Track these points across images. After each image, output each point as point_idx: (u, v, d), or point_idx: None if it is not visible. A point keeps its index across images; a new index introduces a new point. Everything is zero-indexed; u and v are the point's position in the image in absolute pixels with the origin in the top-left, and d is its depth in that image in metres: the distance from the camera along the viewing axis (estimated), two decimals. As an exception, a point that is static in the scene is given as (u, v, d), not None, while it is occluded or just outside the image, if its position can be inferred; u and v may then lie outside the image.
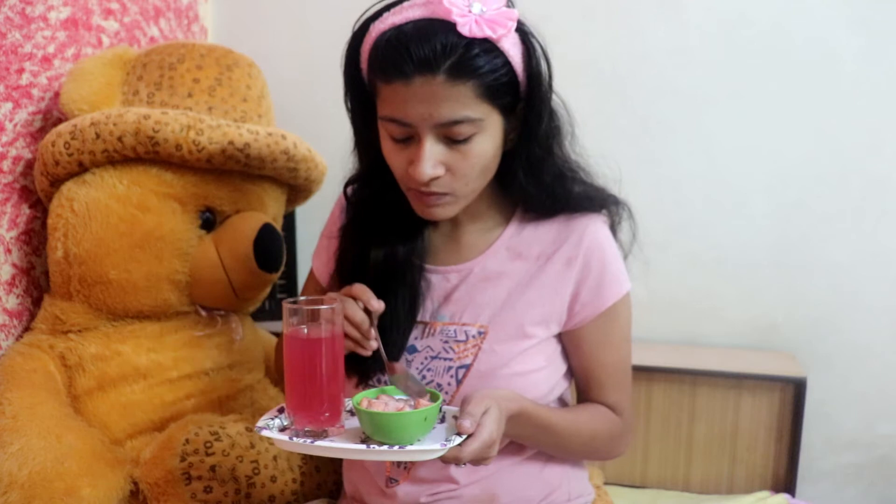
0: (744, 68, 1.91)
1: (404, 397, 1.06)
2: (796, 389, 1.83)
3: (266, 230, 1.58)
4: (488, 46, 1.01)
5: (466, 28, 0.99)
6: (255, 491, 1.38)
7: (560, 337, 1.23)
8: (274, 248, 1.60)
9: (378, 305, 1.10)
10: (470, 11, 0.99)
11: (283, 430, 1.06)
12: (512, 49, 1.04)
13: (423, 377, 1.17)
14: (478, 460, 1.00)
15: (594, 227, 1.19)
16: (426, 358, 1.18)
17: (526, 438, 1.18)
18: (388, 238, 1.21)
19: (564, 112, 1.17)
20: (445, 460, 0.98)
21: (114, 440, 1.48)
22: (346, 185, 1.29)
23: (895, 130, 1.86)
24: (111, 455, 1.41)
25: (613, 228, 1.24)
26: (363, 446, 0.98)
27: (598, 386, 1.23)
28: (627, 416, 1.25)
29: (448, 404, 1.15)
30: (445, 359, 1.17)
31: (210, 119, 1.53)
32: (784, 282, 1.96)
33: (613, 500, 1.61)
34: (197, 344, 1.59)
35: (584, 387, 1.26)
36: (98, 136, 1.47)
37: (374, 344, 1.10)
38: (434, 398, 1.04)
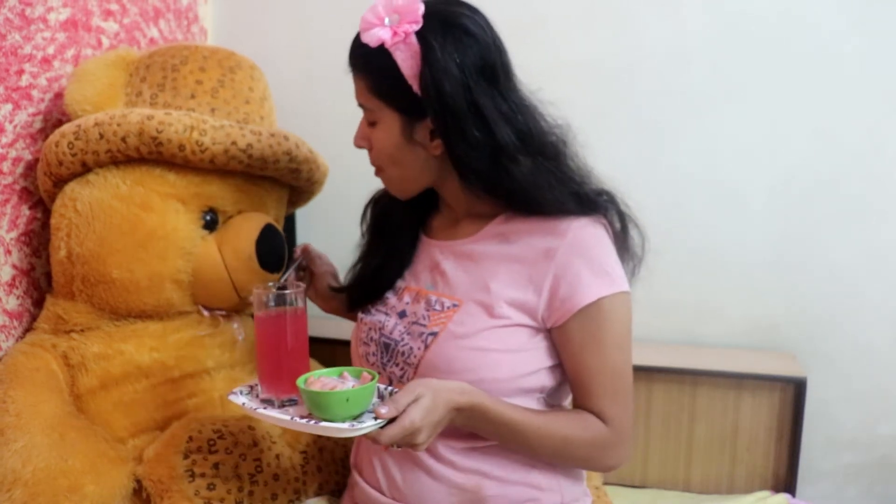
0: (744, 68, 1.91)
1: (354, 379, 1.12)
2: (796, 389, 1.83)
3: (268, 230, 1.58)
4: (381, 51, 1.17)
5: (362, 35, 1.18)
6: (257, 489, 1.39)
7: (550, 333, 1.23)
8: (276, 247, 1.60)
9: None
10: (384, 24, 1.16)
11: (256, 398, 1.24)
12: (406, 60, 1.16)
13: (402, 339, 1.27)
14: (404, 445, 1.06)
15: (579, 224, 1.19)
16: (409, 323, 1.27)
17: (487, 434, 1.19)
18: (403, 205, 1.36)
19: (516, 124, 1.19)
20: (369, 440, 1.05)
21: (116, 439, 1.48)
22: None
23: (895, 129, 1.86)
24: (114, 453, 1.42)
25: (622, 237, 1.25)
26: (287, 417, 1.10)
27: (586, 390, 1.21)
28: (619, 427, 1.21)
29: (417, 367, 1.23)
30: (421, 325, 1.25)
31: (213, 120, 1.53)
32: (784, 281, 1.96)
33: (613, 500, 1.62)
34: (199, 343, 1.59)
35: (574, 391, 1.25)
36: (102, 136, 1.48)
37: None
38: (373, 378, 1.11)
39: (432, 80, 1.15)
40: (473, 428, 1.17)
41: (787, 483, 1.86)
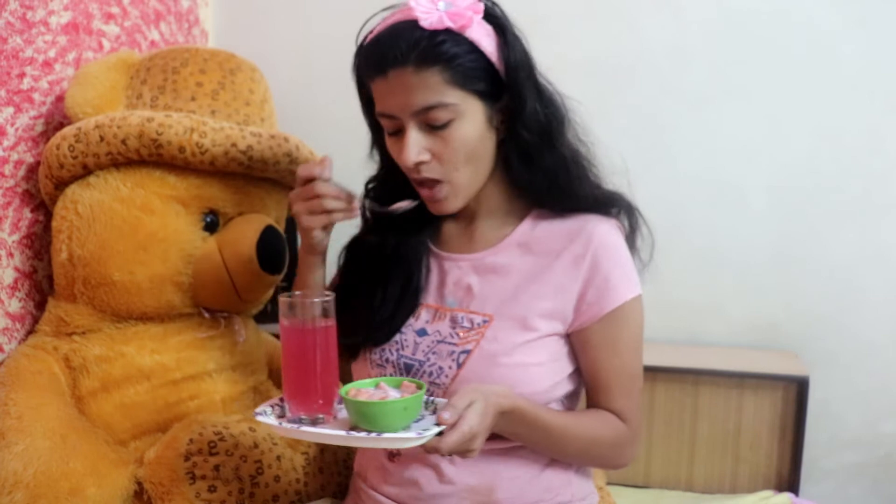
0: (744, 67, 1.92)
1: (394, 389, 1.08)
2: (799, 388, 1.84)
3: (269, 232, 1.58)
4: (454, 35, 1.10)
5: (427, 21, 1.09)
6: (258, 491, 1.39)
7: (569, 338, 1.23)
8: (277, 249, 1.60)
9: (324, 165, 1.21)
10: (436, 9, 1.09)
11: (281, 416, 1.12)
12: (483, 38, 1.12)
13: (428, 359, 1.21)
14: (460, 452, 1.02)
15: (605, 228, 1.21)
16: (433, 342, 1.22)
17: (520, 437, 1.18)
18: (405, 228, 1.29)
19: (562, 104, 1.21)
20: (427, 450, 1.00)
21: (118, 441, 1.48)
22: (367, 183, 1.37)
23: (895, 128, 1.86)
24: (115, 455, 1.41)
25: (631, 239, 1.26)
26: (343, 432, 1.03)
27: (605, 390, 1.23)
28: (634, 425, 1.24)
29: (447, 387, 1.18)
30: (450, 343, 1.20)
31: (213, 122, 1.53)
32: (786, 280, 1.96)
33: (616, 500, 1.61)
34: (200, 345, 1.59)
35: (591, 391, 1.26)
36: (102, 138, 1.48)
37: (358, 203, 1.21)
38: (419, 388, 1.06)
39: (514, 54, 1.14)
40: (511, 432, 1.15)
41: (790, 482, 1.86)
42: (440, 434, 0.99)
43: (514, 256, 1.23)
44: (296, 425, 1.07)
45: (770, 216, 1.95)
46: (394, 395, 1.05)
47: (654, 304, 1.97)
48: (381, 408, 1.01)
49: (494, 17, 1.15)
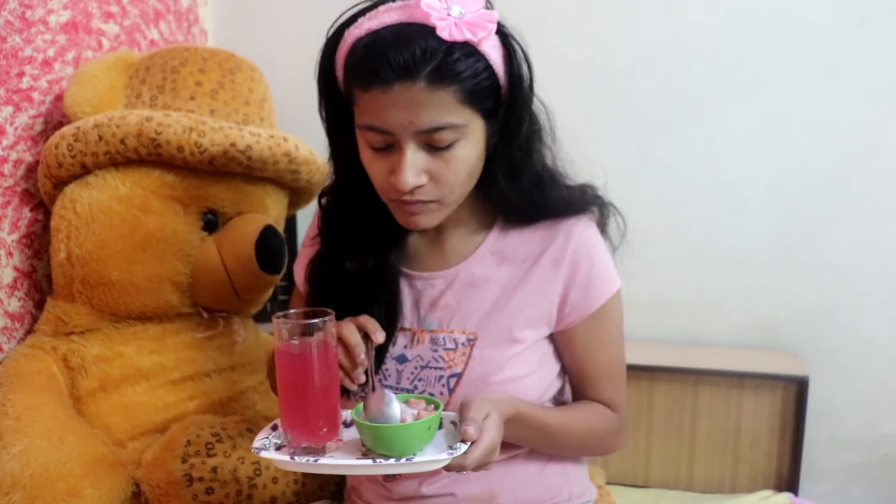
0: (744, 66, 1.91)
1: (405, 407, 1.03)
2: (799, 388, 1.83)
3: (268, 231, 1.58)
4: (469, 50, 0.98)
5: (446, 31, 0.96)
6: (256, 492, 1.39)
7: (551, 337, 1.21)
8: (276, 249, 1.60)
9: (381, 337, 1.07)
10: (449, 14, 0.97)
11: (279, 448, 1.02)
12: (493, 52, 1.01)
13: (416, 387, 1.15)
14: (481, 466, 0.98)
15: (580, 226, 1.16)
16: (416, 367, 1.16)
17: (521, 440, 1.16)
18: (368, 246, 1.18)
19: (544, 115, 1.14)
20: (450, 469, 0.96)
21: (116, 441, 1.48)
22: (320, 196, 1.27)
23: (896, 126, 1.86)
24: (113, 456, 1.41)
25: (602, 226, 1.22)
26: (369, 461, 0.95)
27: (593, 384, 1.22)
28: (624, 412, 1.24)
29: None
30: (436, 368, 1.15)
31: (212, 121, 1.53)
32: (786, 280, 1.96)
33: (616, 499, 1.61)
34: (199, 346, 1.59)
35: (577, 385, 1.24)
36: (101, 137, 1.48)
37: (362, 377, 1.06)
38: (434, 406, 1.02)
39: (520, 69, 1.04)
40: (512, 437, 1.11)
41: (789, 482, 1.86)
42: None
43: (490, 267, 1.17)
44: (308, 458, 0.98)
45: (770, 216, 1.95)
46: (408, 415, 1.00)
47: (654, 304, 1.99)
48: (406, 430, 0.95)
49: (500, 27, 1.03)
